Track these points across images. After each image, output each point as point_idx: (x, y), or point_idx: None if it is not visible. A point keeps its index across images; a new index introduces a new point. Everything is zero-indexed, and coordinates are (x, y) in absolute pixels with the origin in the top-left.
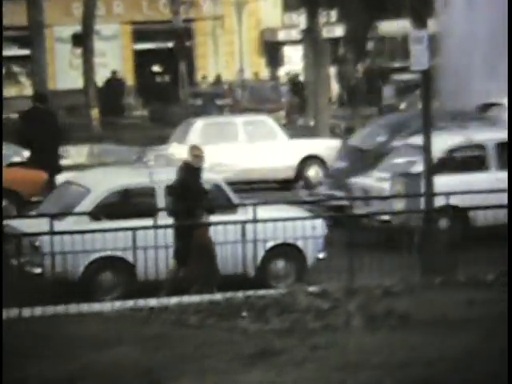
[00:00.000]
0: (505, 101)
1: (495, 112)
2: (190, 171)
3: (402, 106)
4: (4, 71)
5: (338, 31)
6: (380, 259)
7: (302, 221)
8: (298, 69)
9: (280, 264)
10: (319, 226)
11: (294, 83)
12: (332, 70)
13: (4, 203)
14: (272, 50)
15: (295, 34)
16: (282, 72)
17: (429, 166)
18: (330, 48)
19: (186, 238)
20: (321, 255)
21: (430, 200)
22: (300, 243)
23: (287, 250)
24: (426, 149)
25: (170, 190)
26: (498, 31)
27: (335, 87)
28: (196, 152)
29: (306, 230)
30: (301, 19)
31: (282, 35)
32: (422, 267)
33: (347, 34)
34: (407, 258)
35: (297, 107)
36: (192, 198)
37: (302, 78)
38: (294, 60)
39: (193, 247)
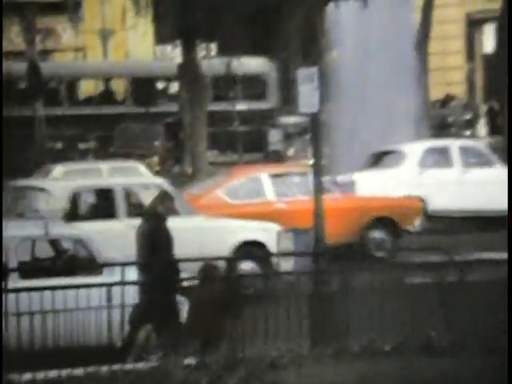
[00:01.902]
0: (403, 148)
1: (391, 160)
2: (159, 221)
3: (291, 151)
4: None
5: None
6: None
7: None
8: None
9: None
10: None
11: (170, 125)
12: None
13: (380, 234)
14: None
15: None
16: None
17: (320, 220)
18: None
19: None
20: None
21: (319, 258)
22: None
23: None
24: (316, 201)
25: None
26: (395, 64)
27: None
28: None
29: None
30: (176, 52)
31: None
32: (311, 335)
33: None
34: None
35: (172, 152)
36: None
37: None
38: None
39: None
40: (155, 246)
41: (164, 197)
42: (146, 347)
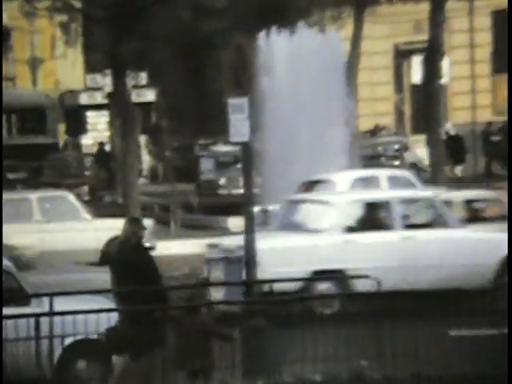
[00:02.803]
0: (333, 177)
1: (321, 189)
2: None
3: (222, 181)
4: None
5: (150, 96)
6: None
7: (107, 313)
8: (103, 137)
9: (81, 364)
10: None
11: (100, 154)
12: (143, 140)
13: None
14: (73, 115)
15: (100, 98)
16: (85, 141)
17: (251, 250)
18: (141, 114)
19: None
20: None
21: (251, 288)
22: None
23: (90, 347)
24: (248, 231)
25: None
26: (325, 94)
27: (147, 159)
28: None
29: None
30: (106, 81)
31: (84, 99)
32: (243, 367)
33: (160, 98)
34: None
35: (103, 181)
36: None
37: (108, 148)
38: (99, 127)
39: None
40: (134, 273)
41: (136, 222)
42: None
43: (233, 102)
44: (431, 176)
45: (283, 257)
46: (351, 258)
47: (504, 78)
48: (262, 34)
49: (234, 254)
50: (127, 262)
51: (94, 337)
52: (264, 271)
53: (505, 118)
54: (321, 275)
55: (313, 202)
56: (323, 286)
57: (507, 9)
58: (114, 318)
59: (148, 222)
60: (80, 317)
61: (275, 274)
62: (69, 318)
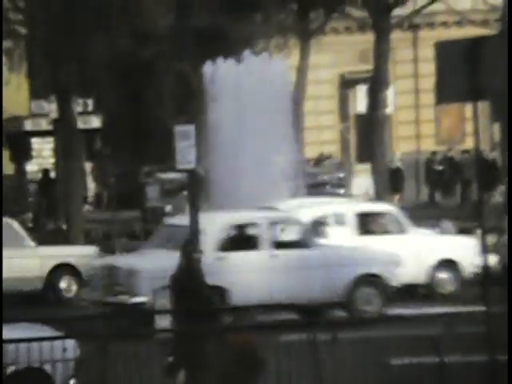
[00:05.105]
0: (278, 205)
1: None
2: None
3: (168, 208)
4: None
5: (96, 122)
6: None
7: (50, 341)
8: (48, 164)
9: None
10: (71, 347)
11: (44, 181)
12: (88, 166)
13: None
14: (17, 142)
15: (45, 124)
16: (29, 167)
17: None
18: (86, 141)
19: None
20: (72, 381)
21: None
22: (48, 367)
23: (33, 376)
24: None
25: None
26: (270, 123)
27: (92, 186)
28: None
29: (55, 352)
30: (51, 107)
31: (29, 125)
32: None
33: (105, 125)
34: None
35: (47, 208)
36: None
37: (53, 175)
38: (43, 154)
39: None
40: (190, 294)
41: (191, 247)
42: None
43: (179, 129)
44: None
45: None
46: None
47: (447, 108)
48: (207, 61)
49: None
50: (183, 284)
51: (36, 365)
52: None
53: (447, 147)
54: None
55: None
56: None
57: (507, 9)
58: (56, 346)
59: (91, 250)
60: (22, 345)
61: None
62: (11, 346)
